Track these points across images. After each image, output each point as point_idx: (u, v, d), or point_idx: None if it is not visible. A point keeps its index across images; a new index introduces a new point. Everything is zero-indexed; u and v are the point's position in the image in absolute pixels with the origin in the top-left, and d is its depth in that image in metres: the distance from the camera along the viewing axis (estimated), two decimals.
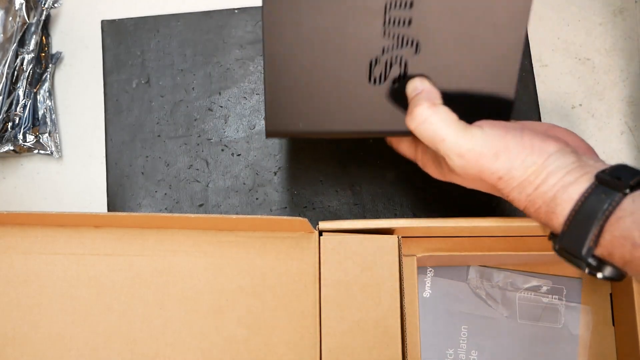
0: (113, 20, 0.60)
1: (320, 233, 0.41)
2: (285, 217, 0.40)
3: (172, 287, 0.40)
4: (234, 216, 0.40)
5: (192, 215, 0.40)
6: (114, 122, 0.58)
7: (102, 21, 0.60)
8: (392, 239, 0.41)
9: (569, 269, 0.51)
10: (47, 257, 0.40)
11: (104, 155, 0.57)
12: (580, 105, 0.57)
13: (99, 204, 0.56)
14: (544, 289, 0.51)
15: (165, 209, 0.56)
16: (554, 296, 0.50)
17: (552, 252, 0.44)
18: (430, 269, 0.51)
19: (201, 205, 0.56)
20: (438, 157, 0.41)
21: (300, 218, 0.40)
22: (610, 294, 0.50)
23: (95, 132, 0.58)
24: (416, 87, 0.40)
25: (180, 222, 0.41)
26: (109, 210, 0.56)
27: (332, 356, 0.39)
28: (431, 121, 0.37)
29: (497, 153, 0.37)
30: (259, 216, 0.40)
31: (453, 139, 0.37)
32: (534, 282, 0.50)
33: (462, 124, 0.38)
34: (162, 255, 0.41)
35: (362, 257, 0.40)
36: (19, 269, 0.40)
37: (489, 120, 0.40)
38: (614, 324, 0.50)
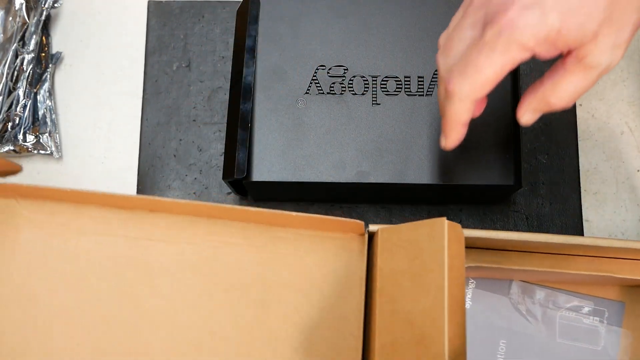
0: (160, 2, 0.59)
1: (370, 237, 0.41)
2: (339, 218, 0.40)
3: (220, 277, 0.40)
4: (287, 212, 0.40)
5: (247, 208, 0.39)
6: (151, 102, 0.57)
7: (149, 2, 0.59)
8: (441, 222, 0.36)
9: (612, 292, 0.51)
10: (99, 238, 0.40)
11: (104, 155, 0.57)
12: (580, 105, 0.57)
13: None
14: (586, 309, 0.51)
15: (194, 193, 0.55)
16: (595, 318, 0.50)
17: (597, 273, 0.44)
18: (472, 280, 0.51)
19: (229, 193, 0.56)
20: None
21: (356, 220, 0.39)
22: None
23: (95, 132, 0.58)
24: None
25: (234, 214, 0.40)
26: (138, 189, 0.55)
27: (383, 352, 0.38)
28: None
29: None
30: (314, 215, 0.40)
31: None
32: (576, 302, 0.51)
33: None
34: (214, 246, 0.40)
35: (413, 245, 0.37)
36: (72, 246, 0.40)
37: None
38: None
